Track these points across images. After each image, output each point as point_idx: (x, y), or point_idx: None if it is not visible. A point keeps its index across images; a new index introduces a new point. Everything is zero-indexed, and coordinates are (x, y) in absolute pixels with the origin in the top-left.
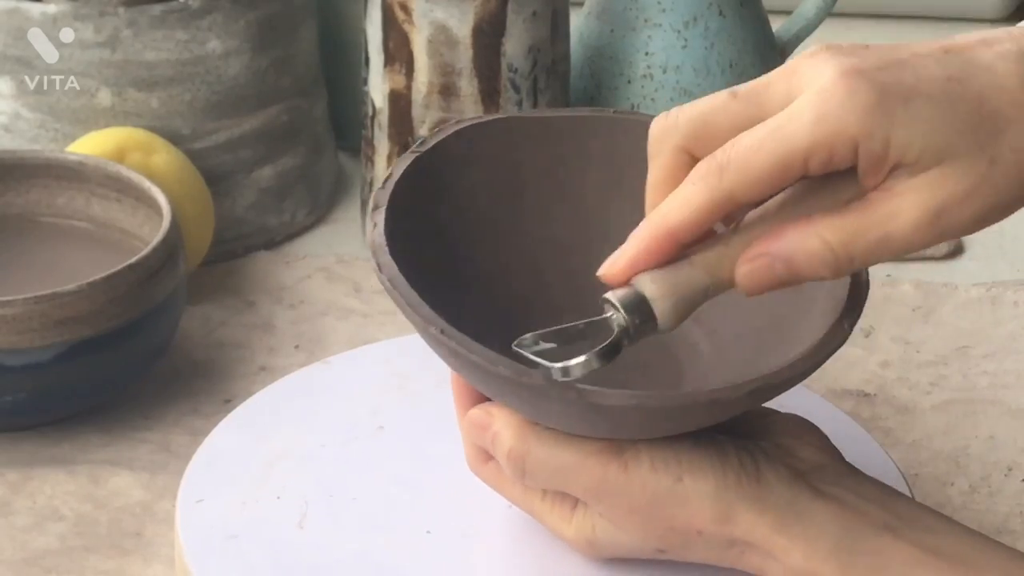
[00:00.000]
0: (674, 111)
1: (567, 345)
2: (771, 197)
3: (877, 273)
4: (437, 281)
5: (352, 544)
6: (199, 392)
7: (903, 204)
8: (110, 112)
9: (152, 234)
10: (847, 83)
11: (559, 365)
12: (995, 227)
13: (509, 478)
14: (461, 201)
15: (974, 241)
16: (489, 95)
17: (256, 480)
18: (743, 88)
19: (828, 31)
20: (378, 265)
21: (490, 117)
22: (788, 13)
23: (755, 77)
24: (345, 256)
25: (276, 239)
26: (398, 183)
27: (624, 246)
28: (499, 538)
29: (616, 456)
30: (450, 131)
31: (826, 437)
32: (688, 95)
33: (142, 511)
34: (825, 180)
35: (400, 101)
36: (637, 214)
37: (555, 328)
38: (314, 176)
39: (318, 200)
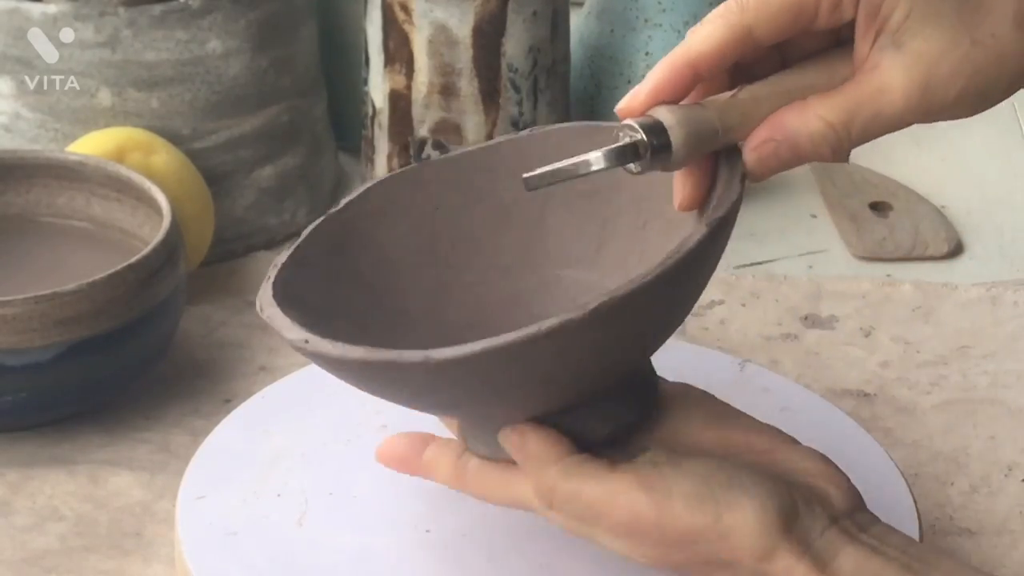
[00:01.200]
0: None
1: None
2: (784, 39)
3: (877, 273)
4: (367, 328)
5: (351, 542)
6: (199, 392)
7: (892, 78)
8: (110, 112)
9: (152, 234)
10: None
11: (586, 156)
12: (995, 227)
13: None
14: (383, 251)
15: (974, 241)
16: (489, 95)
17: (256, 477)
18: None
19: None
20: (260, 307)
21: (400, 170)
22: None
23: None
24: None
25: (276, 239)
26: (305, 240)
27: (643, 81)
28: (498, 538)
29: (647, 491)
30: (361, 190)
31: (848, 479)
32: None
33: (142, 511)
34: (819, 58)
35: (400, 101)
36: (568, 231)
37: (563, 163)
38: (314, 176)
39: (318, 200)
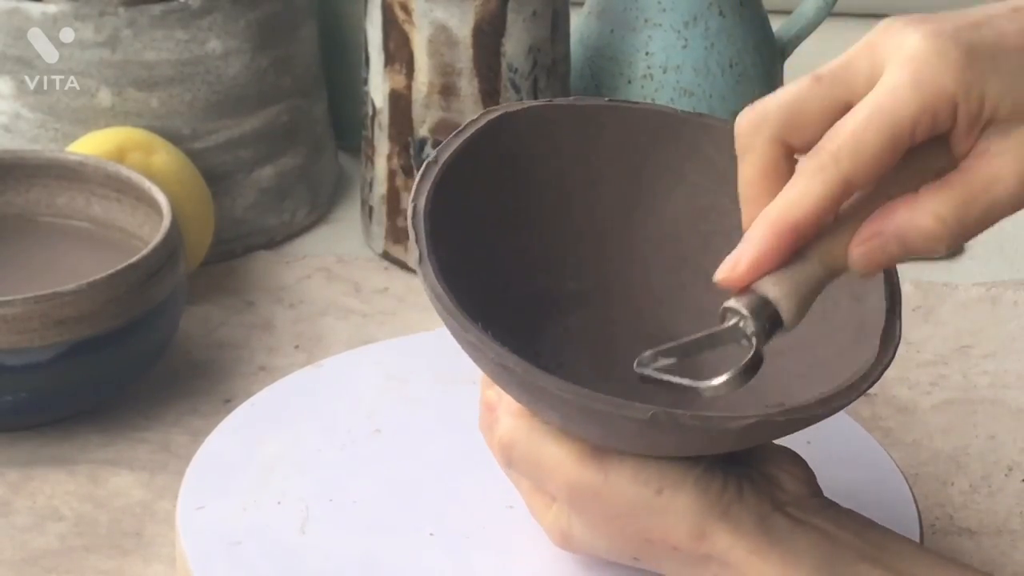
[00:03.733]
0: (759, 103)
1: (687, 358)
2: (882, 176)
3: None
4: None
5: (356, 548)
6: (199, 392)
7: (1004, 164)
8: (110, 112)
9: (152, 234)
10: (934, 45)
11: (706, 384)
12: (995, 227)
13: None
14: (502, 187)
15: (974, 241)
16: (489, 95)
17: (255, 485)
18: (825, 70)
19: (828, 31)
20: (431, 290)
21: (526, 104)
22: (788, 13)
23: (755, 77)
24: (345, 256)
25: (276, 239)
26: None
27: (742, 248)
28: (502, 539)
29: (597, 460)
30: (491, 117)
31: (810, 470)
32: (688, 95)
33: (142, 511)
34: (915, 153)
35: (400, 101)
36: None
37: (675, 343)
38: (314, 176)
39: (318, 200)
